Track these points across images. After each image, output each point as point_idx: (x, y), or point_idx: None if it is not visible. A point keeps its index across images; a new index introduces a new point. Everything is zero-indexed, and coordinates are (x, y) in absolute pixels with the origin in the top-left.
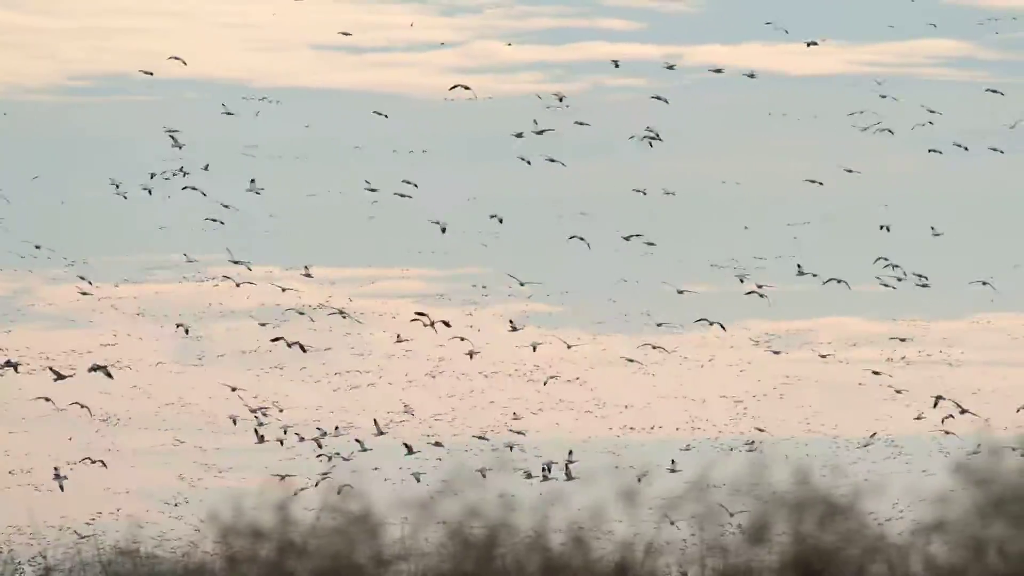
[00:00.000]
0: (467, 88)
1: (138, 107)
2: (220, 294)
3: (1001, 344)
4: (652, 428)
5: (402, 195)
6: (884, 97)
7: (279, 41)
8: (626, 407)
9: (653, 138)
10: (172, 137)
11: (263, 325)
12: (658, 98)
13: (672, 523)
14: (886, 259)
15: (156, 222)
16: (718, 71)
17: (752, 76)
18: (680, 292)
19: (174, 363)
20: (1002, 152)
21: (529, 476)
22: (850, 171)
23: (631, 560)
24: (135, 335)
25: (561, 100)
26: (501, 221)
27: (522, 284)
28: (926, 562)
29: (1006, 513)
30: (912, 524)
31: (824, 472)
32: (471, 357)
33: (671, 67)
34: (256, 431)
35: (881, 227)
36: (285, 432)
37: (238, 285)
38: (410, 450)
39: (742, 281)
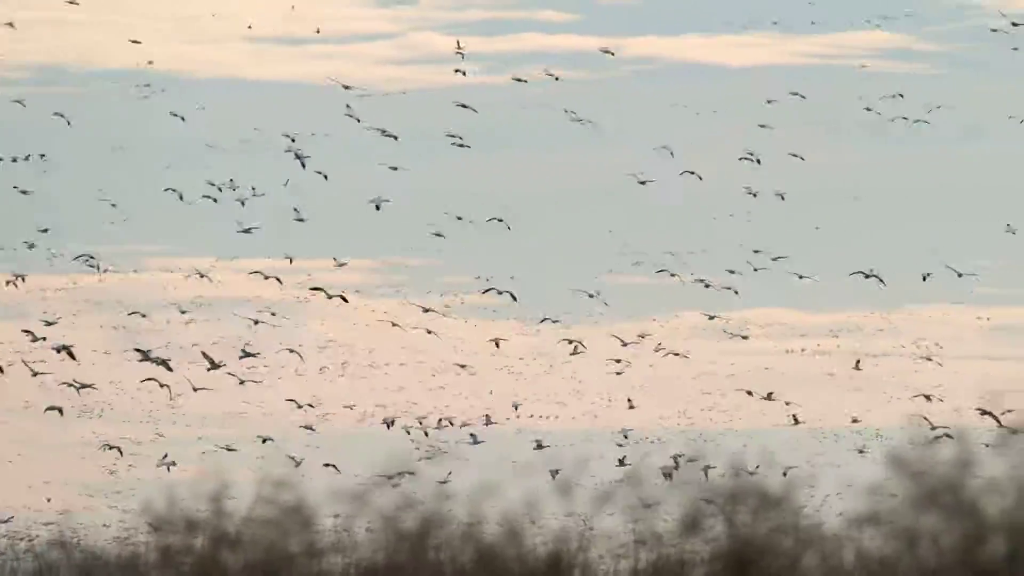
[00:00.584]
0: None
1: (71, 100)
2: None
3: (939, 336)
4: (594, 418)
5: (322, 175)
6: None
7: (215, 33)
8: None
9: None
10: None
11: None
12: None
13: (606, 514)
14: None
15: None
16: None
17: (611, 53)
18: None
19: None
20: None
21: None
22: (795, 155)
23: (564, 551)
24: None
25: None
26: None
27: (500, 293)
28: (859, 553)
29: (938, 504)
30: (845, 515)
31: (758, 464)
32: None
33: (609, 53)
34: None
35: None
36: None
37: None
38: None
39: (672, 275)
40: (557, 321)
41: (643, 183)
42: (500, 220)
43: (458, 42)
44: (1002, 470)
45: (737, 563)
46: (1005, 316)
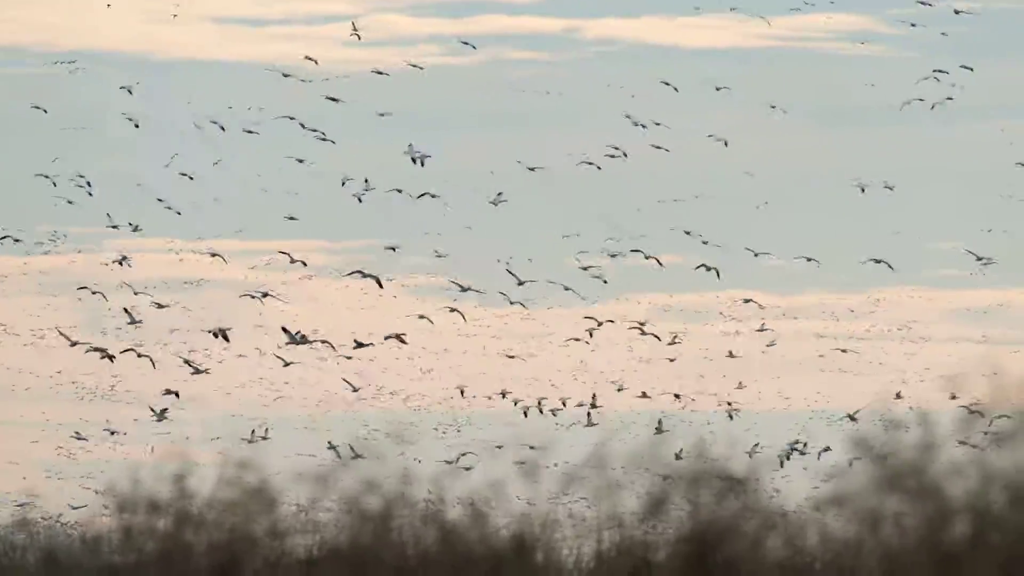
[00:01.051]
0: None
1: (36, 80)
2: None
3: (906, 317)
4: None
5: (300, 160)
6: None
7: (180, 14)
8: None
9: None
10: None
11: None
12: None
13: (571, 497)
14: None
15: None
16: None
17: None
18: (584, 268)
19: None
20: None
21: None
22: (721, 140)
23: (529, 533)
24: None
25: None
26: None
27: (464, 289)
28: (823, 536)
29: (902, 487)
30: (810, 498)
31: (722, 446)
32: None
33: (570, 33)
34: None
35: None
36: None
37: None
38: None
39: (612, 256)
40: (525, 304)
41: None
42: (434, 196)
43: (353, 23)
44: (965, 453)
45: (700, 545)
46: (969, 299)
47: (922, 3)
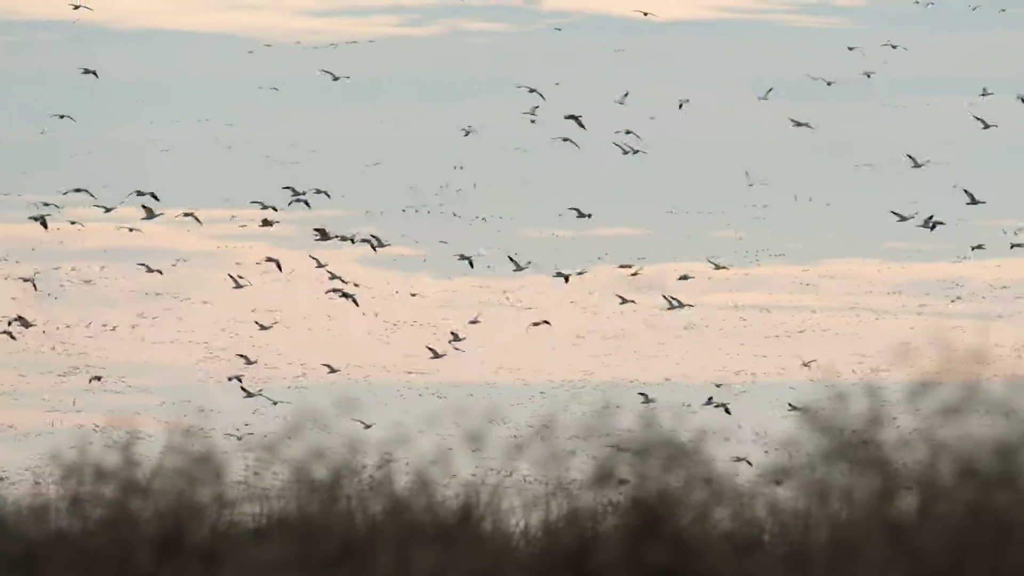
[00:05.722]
0: None
1: None
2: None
3: (854, 289)
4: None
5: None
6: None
7: None
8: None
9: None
10: None
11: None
12: None
13: (518, 466)
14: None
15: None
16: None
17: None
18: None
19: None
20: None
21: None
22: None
23: (475, 503)
24: None
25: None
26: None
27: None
28: (771, 507)
29: (850, 459)
30: (758, 470)
31: (670, 416)
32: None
33: (530, 4)
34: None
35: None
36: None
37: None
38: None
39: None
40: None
41: (565, 139)
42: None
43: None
44: (914, 424)
45: (647, 515)
46: (919, 272)
47: None
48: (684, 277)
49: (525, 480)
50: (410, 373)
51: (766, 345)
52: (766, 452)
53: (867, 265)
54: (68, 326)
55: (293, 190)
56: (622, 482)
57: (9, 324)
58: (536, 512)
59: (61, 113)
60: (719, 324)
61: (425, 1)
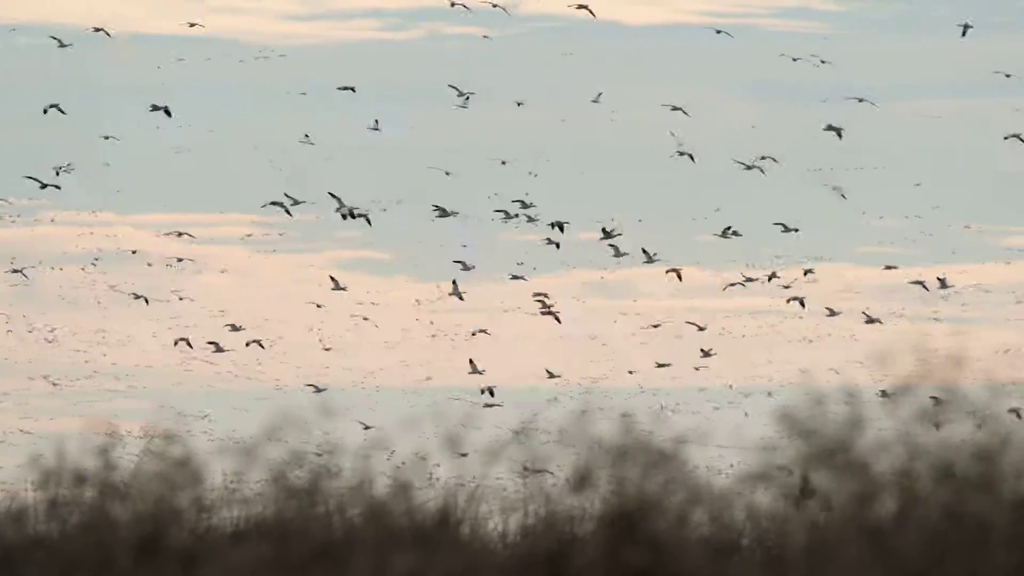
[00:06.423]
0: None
1: None
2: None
3: (833, 295)
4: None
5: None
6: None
7: None
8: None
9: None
10: None
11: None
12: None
13: (496, 470)
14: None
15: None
16: None
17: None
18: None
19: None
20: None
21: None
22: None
23: (453, 506)
24: None
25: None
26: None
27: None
28: (749, 511)
29: (829, 463)
30: (736, 473)
31: (649, 420)
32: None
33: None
34: None
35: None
36: None
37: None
38: None
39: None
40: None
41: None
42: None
43: None
44: (892, 429)
45: (625, 519)
46: (897, 276)
47: None
48: (672, 269)
49: (503, 484)
50: (392, 376)
51: (745, 349)
52: (744, 456)
53: (846, 270)
54: (52, 329)
55: (339, 201)
56: (601, 486)
57: None
58: (514, 516)
59: (53, 103)
60: (700, 328)
61: (404, 5)
